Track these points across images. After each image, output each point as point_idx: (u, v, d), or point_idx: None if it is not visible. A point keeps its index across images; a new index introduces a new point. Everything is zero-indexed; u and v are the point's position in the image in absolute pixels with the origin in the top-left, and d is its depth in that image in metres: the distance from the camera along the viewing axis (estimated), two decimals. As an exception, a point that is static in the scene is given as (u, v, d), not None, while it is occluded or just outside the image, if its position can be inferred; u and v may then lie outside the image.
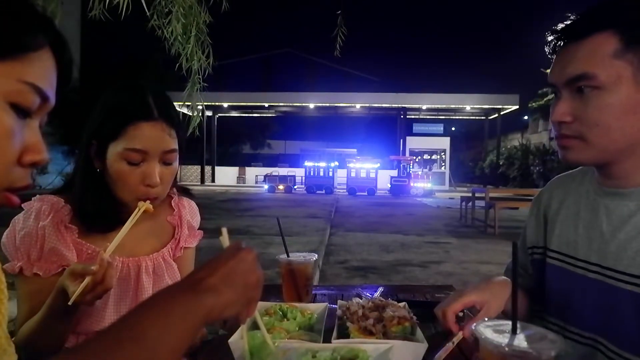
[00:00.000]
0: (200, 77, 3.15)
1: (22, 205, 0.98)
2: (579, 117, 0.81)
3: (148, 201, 0.99)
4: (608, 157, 0.83)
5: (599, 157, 0.83)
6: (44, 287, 0.95)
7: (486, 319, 0.66)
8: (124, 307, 1.07)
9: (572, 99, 0.82)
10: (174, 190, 1.24)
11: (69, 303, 0.82)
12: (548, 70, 0.89)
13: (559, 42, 0.86)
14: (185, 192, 1.27)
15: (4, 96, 0.47)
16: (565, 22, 0.86)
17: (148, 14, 2.77)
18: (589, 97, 0.79)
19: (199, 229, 1.30)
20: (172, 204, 1.23)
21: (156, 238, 1.17)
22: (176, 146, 1.06)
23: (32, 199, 1.01)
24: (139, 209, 0.98)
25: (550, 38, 0.87)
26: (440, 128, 29.18)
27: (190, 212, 1.27)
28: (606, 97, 0.78)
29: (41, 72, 0.51)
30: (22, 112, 0.49)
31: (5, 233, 0.99)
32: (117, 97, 1.04)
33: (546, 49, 0.90)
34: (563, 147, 0.86)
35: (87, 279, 0.83)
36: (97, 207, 1.03)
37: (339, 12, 3.62)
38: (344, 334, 0.89)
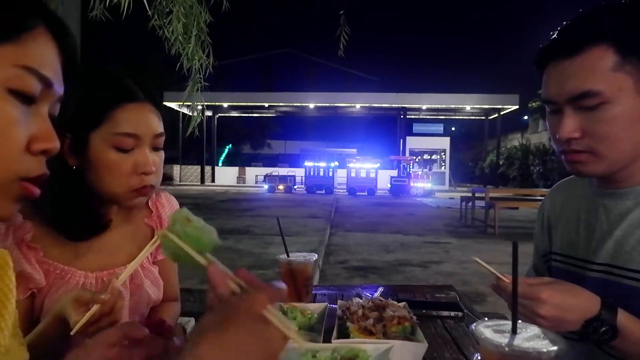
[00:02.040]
0: (201, 76, 3.15)
1: None
2: (588, 131, 0.81)
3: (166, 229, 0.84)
4: (617, 167, 0.84)
5: (610, 167, 0.84)
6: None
7: (486, 319, 0.66)
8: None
9: (577, 114, 0.82)
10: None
11: (71, 333, 0.73)
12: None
13: (551, 58, 0.84)
14: (167, 179, 1.15)
15: (1, 83, 0.46)
16: (554, 38, 0.85)
17: (149, 12, 2.77)
18: (595, 112, 0.80)
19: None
20: (150, 204, 1.12)
21: (132, 244, 1.06)
22: (163, 130, 0.99)
23: None
24: (156, 238, 0.84)
25: (540, 54, 0.87)
26: (440, 128, 29.18)
27: (169, 210, 1.16)
28: (612, 110, 0.79)
29: (38, 55, 0.49)
30: (24, 98, 0.48)
31: None
32: (92, 85, 0.94)
33: (534, 66, 0.89)
34: (574, 162, 0.86)
35: (94, 308, 0.74)
36: (76, 209, 0.92)
37: (342, 12, 3.61)
38: (344, 334, 0.89)
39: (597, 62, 0.78)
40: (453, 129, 33.43)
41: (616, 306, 0.74)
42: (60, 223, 0.92)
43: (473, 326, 0.61)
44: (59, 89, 0.52)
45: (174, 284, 1.21)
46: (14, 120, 0.47)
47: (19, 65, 0.47)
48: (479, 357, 0.61)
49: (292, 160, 29.20)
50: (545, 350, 0.55)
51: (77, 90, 0.93)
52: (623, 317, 0.74)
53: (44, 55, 0.50)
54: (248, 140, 36.43)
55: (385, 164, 22.68)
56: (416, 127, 28.22)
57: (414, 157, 23.01)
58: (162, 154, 1.00)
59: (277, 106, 26.38)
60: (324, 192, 20.64)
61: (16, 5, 0.48)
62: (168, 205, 1.17)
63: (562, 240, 1.00)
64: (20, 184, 0.49)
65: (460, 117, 28.63)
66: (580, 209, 0.97)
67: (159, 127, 0.97)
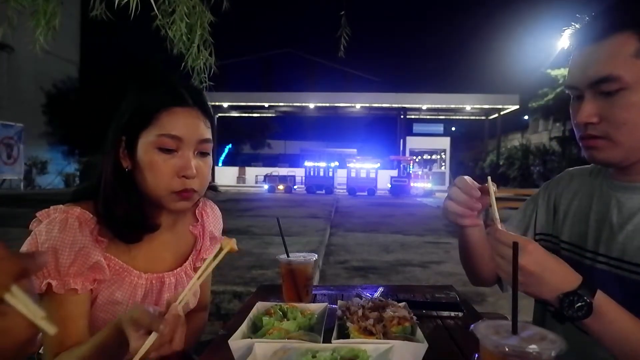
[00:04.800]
0: (206, 76, 3.16)
1: (38, 214, 0.93)
2: (606, 117, 0.82)
3: (234, 240, 0.83)
4: (634, 156, 0.84)
5: (626, 155, 0.84)
6: (76, 305, 0.89)
7: (486, 319, 0.66)
8: None
9: (596, 99, 0.83)
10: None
11: None
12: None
13: (576, 46, 0.86)
14: (211, 189, 1.16)
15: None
16: (581, 24, 0.87)
17: (155, 12, 2.76)
18: (614, 97, 0.80)
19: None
20: (196, 213, 1.17)
21: (178, 250, 1.10)
22: (211, 136, 1.00)
23: (51, 207, 0.94)
24: (222, 249, 0.82)
25: (566, 40, 0.88)
26: (440, 128, 29.22)
27: (213, 220, 1.21)
28: (631, 97, 0.79)
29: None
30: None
31: (25, 247, 0.90)
32: (147, 89, 0.99)
33: (555, 49, 0.91)
34: (590, 148, 0.87)
35: (153, 336, 0.71)
36: (126, 211, 0.95)
37: (343, 12, 3.61)
38: (344, 334, 0.89)
39: (619, 48, 0.79)
40: (453, 129, 33.48)
41: (596, 287, 0.74)
42: (110, 222, 0.94)
43: (473, 326, 0.61)
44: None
45: (207, 292, 1.24)
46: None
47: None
48: (479, 357, 0.61)
49: (292, 160, 29.20)
50: (545, 350, 0.55)
51: (133, 95, 0.98)
52: (601, 298, 0.74)
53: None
54: (248, 140, 36.41)
55: (385, 164, 22.68)
56: (416, 127, 28.25)
57: (414, 157, 23.01)
58: (208, 160, 1.01)
59: (277, 106, 26.37)
60: (324, 192, 20.64)
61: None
62: (212, 215, 1.21)
63: (572, 229, 0.99)
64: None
65: (460, 117, 28.62)
66: (592, 201, 0.97)
67: (205, 133, 0.99)
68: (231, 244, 0.81)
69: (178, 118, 0.95)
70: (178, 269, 1.08)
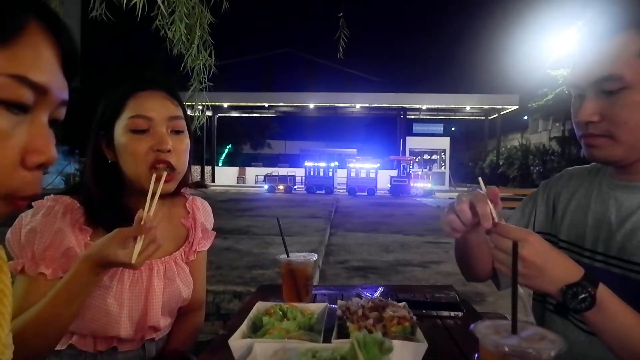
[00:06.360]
0: (205, 77, 3.16)
1: (33, 203, 0.96)
2: (607, 116, 0.82)
3: (162, 165, 0.96)
4: (635, 155, 0.84)
5: (627, 154, 0.84)
6: (43, 290, 0.89)
7: (486, 319, 0.66)
8: (136, 312, 1.03)
9: (598, 98, 0.83)
10: (188, 192, 1.22)
11: (133, 262, 0.81)
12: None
13: (580, 42, 0.86)
14: (198, 185, 1.24)
15: None
16: (584, 22, 0.87)
17: (161, 10, 2.76)
18: (616, 96, 0.81)
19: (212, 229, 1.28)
20: (187, 206, 1.21)
21: (170, 241, 1.13)
22: (182, 114, 1.05)
23: (45, 197, 0.99)
24: (154, 177, 0.94)
25: (566, 39, 0.88)
26: (440, 128, 29.18)
27: (204, 213, 1.24)
28: (633, 96, 0.79)
29: (30, 59, 0.43)
30: (15, 108, 0.42)
31: (10, 229, 0.94)
32: (115, 84, 1.05)
33: (555, 49, 0.91)
34: (590, 146, 0.87)
35: (140, 240, 0.82)
36: (107, 197, 0.99)
37: (341, 14, 3.62)
38: (344, 334, 0.89)
39: (622, 47, 0.79)
40: (453, 129, 33.43)
41: (598, 280, 0.74)
42: (91, 210, 0.99)
43: (473, 326, 0.61)
44: (59, 93, 0.47)
45: (200, 290, 1.24)
46: (4, 133, 0.42)
47: (6, 74, 0.41)
48: (479, 357, 0.61)
49: (292, 160, 29.18)
50: (545, 350, 0.55)
51: (107, 92, 1.04)
52: (603, 290, 0.74)
53: (36, 58, 0.43)
54: (248, 140, 36.40)
55: (385, 164, 22.65)
56: (416, 127, 28.21)
57: (414, 157, 22.99)
58: (184, 138, 1.05)
59: (277, 106, 26.35)
60: (324, 192, 20.62)
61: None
62: (203, 209, 1.25)
63: (570, 228, 0.99)
64: (9, 202, 0.44)
65: (460, 117, 28.61)
66: (591, 199, 0.97)
67: (175, 111, 1.03)
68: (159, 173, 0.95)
69: (145, 100, 1.00)
70: (167, 257, 1.11)
